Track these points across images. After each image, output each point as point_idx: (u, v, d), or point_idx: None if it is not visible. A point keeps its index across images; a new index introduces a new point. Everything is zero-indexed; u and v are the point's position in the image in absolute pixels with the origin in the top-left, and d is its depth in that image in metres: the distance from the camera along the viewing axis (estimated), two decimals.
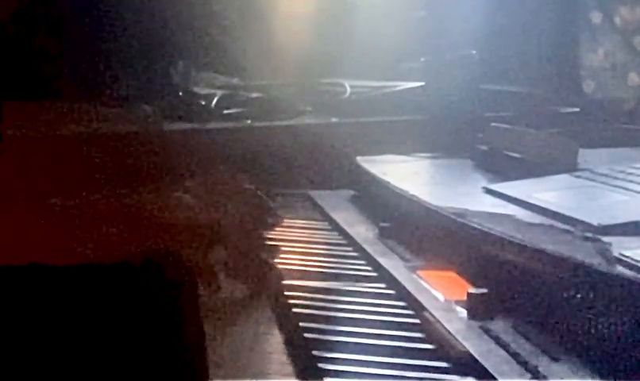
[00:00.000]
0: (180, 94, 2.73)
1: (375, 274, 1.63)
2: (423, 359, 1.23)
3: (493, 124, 2.24)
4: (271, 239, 1.66)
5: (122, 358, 1.18)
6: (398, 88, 2.83)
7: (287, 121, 2.69)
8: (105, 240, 1.13)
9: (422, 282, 1.51)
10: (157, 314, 1.20)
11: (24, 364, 1.14)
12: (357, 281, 1.58)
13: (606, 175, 1.78)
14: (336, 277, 1.61)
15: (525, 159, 1.98)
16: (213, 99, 2.71)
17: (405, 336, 1.31)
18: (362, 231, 1.89)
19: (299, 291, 1.50)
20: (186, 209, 1.19)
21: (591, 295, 1.20)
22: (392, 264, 1.63)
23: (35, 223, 1.14)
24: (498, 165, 2.04)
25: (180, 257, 1.19)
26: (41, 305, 1.13)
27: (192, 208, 1.22)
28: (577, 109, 2.74)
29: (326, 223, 2.03)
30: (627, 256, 1.20)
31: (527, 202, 1.62)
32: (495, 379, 1.12)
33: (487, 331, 1.27)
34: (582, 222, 1.41)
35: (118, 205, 1.15)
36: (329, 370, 1.17)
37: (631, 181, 1.70)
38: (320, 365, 1.18)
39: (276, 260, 1.56)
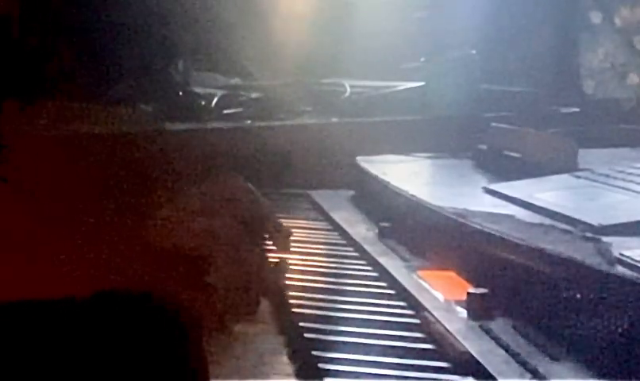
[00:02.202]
0: (180, 94, 2.73)
1: (375, 274, 1.63)
2: (423, 359, 1.23)
3: (493, 124, 2.24)
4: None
5: (122, 357, 1.17)
6: (398, 88, 2.83)
7: (287, 121, 2.70)
8: (100, 259, 1.11)
9: (422, 282, 1.51)
10: (157, 320, 1.20)
11: None
12: (357, 281, 1.58)
13: (606, 175, 1.78)
14: (336, 277, 1.61)
15: (525, 159, 1.98)
16: (213, 99, 2.71)
17: (405, 336, 1.31)
18: (362, 231, 1.89)
19: (299, 291, 1.50)
20: (180, 233, 1.17)
21: (591, 295, 1.20)
22: (392, 264, 1.63)
23: (21, 255, 1.12)
24: (498, 165, 2.04)
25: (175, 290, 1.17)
26: (28, 343, 1.12)
27: (186, 231, 1.20)
28: (577, 109, 2.74)
29: (326, 223, 2.02)
30: (627, 256, 1.20)
31: (527, 202, 1.62)
32: (495, 379, 1.12)
33: (487, 331, 1.27)
34: (582, 222, 1.41)
35: (111, 231, 1.13)
36: (329, 370, 1.17)
37: (631, 181, 1.70)
38: (320, 365, 1.18)
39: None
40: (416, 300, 1.43)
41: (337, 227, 1.97)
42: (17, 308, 1.09)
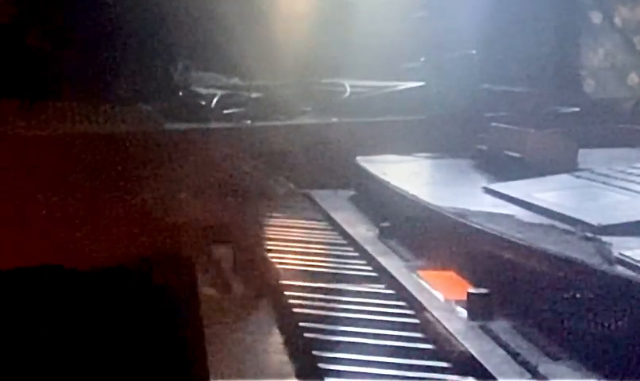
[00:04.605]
0: (180, 94, 2.73)
1: (375, 274, 1.63)
2: (423, 359, 1.23)
3: (493, 124, 2.24)
4: (272, 239, 1.65)
5: (123, 358, 1.18)
6: (398, 88, 2.83)
7: (287, 121, 2.70)
8: (110, 242, 1.13)
9: (422, 282, 1.51)
10: (158, 315, 1.20)
11: (27, 364, 1.14)
12: (357, 281, 1.58)
13: (606, 175, 1.78)
14: (336, 277, 1.61)
15: (525, 159, 1.98)
16: (213, 99, 2.71)
17: (405, 336, 1.31)
18: (362, 231, 1.89)
19: (299, 291, 1.50)
20: (191, 210, 1.19)
21: (591, 295, 1.20)
22: (392, 264, 1.63)
23: (40, 226, 1.14)
24: (498, 165, 2.04)
25: (183, 258, 1.18)
26: (47, 306, 1.13)
27: (196, 208, 1.21)
28: (577, 109, 2.74)
29: (326, 223, 2.02)
30: (627, 256, 1.20)
31: (527, 202, 1.62)
32: (495, 378, 1.12)
33: (487, 331, 1.27)
34: (582, 222, 1.41)
35: (122, 208, 1.15)
36: (329, 370, 1.17)
37: (631, 181, 1.70)
38: (320, 365, 1.18)
39: (277, 260, 1.55)
40: (416, 300, 1.43)
41: (337, 227, 1.97)
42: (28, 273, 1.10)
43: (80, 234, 1.16)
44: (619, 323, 1.15)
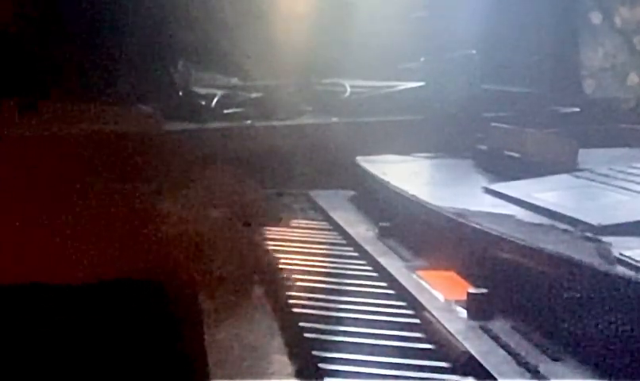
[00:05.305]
0: (180, 94, 2.73)
1: (375, 274, 1.63)
2: (423, 359, 1.23)
3: (493, 124, 2.24)
4: (272, 239, 1.65)
5: (125, 358, 1.18)
6: (398, 88, 2.83)
7: (287, 121, 2.70)
8: (109, 247, 1.13)
9: (422, 282, 1.51)
10: (159, 318, 1.20)
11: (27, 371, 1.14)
12: (357, 281, 1.58)
13: (606, 175, 1.78)
14: (336, 277, 1.61)
15: (525, 159, 1.98)
16: (214, 99, 2.71)
17: (405, 336, 1.31)
18: (362, 231, 1.89)
19: (299, 291, 1.50)
20: (179, 222, 1.19)
21: (591, 295, 1.20)
22: (392, 264, 1.63)
23: (33, 240, 1.14)
24: (498, 165, 2.04)
25: (177, 270, 1.19)
26: (41, 323, 1.13)
27: (184, 220, 1.21)
28: (577, 109, 2.74)
29: (326, 223, 2.02)
30: (627, 256, 1.20)
31: (527, 202, 1.62)
32: (495, 379, 1.12)
33: (487, 331, 1.27)
34: (582, 222, 1.41)
35: (122, 211, 1.15)
36: (329, 370, 1.17)
37: (631, 181, 1.70)
38: (320, 365, 1.18)
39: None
40: (416, 300, 1.43)
41: (337, 227, 1.97)
42: (28, 290, 1.10)
43: (80, 240, 1.16)
44: (619, 323, 1.15)
